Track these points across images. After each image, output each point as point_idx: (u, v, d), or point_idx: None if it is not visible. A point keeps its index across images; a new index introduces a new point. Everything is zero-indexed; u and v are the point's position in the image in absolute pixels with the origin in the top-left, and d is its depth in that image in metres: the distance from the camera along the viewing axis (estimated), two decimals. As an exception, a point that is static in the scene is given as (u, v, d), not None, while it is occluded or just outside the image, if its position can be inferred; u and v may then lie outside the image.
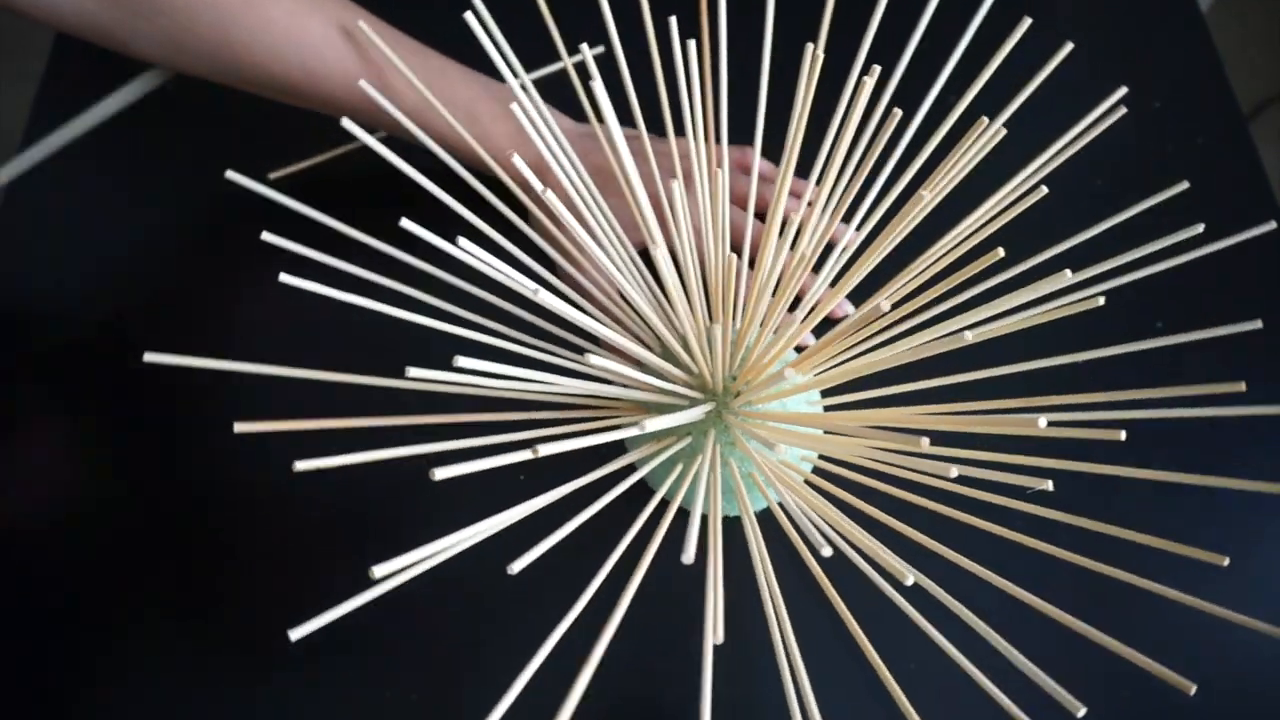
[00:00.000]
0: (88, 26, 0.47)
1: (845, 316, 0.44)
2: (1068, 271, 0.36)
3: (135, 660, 0.46)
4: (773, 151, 0.47)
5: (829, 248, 0.52)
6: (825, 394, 0.49)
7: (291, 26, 0.47)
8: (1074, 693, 0.31)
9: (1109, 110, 0.42)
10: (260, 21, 0.46)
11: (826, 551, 0.31)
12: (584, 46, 0.42)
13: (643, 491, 0.41)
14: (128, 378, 0.52)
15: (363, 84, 0.45)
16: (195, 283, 0.56)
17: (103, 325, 0.55)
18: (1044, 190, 0.37)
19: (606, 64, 0.42)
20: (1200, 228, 0.39)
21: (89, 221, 0.58)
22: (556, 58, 0.49)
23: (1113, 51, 0.64)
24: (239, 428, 0.38)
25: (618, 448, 0.43)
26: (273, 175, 0.57)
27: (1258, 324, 0.39)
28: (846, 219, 0.48)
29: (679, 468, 0.43)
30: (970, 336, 0.32)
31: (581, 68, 0.43)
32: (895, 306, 0.39)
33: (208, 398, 0.51)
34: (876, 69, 0.38)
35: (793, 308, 0.52)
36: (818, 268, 0.47)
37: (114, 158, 0.60)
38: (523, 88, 0.45)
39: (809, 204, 0.41)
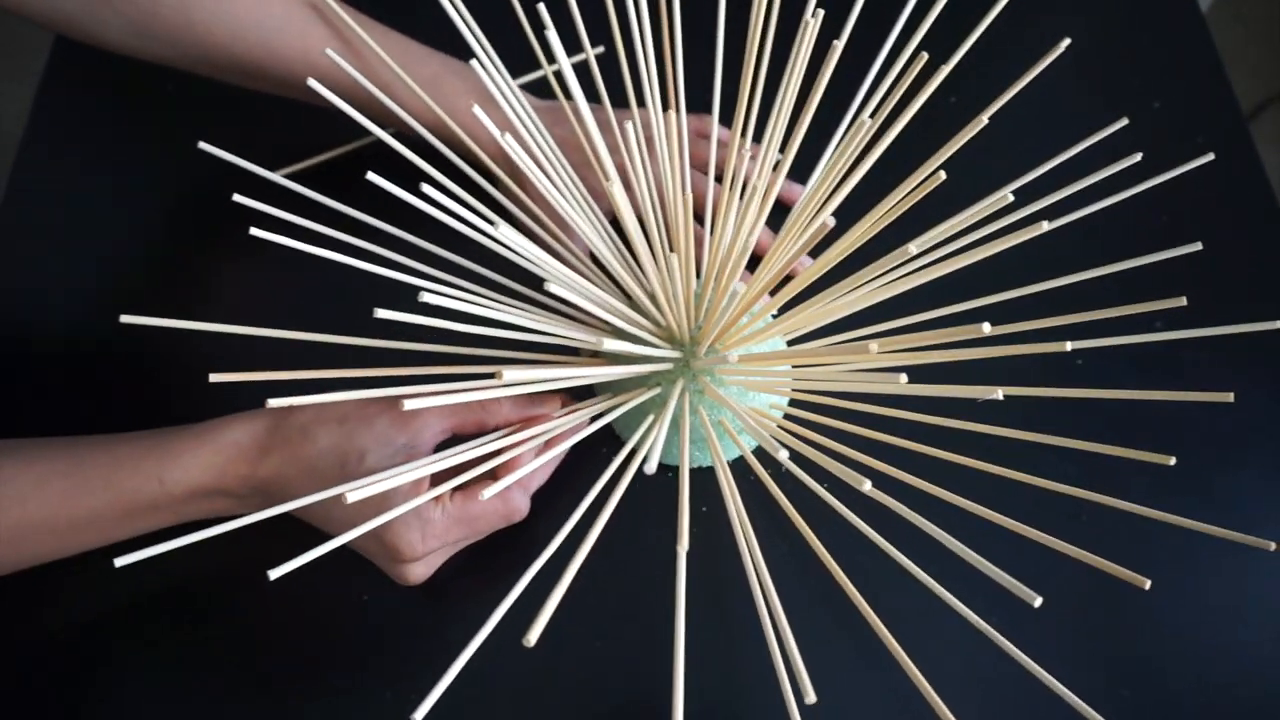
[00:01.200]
0: (54, 16, 0.48)
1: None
2: (1009, 195, 0.37)
3: (135, 659, 0.46)
4: (728, 117, 0.49)
5: (788, 208, 0.53)
6: (790, 346, 0.50)
7: (253, 7, 0.48)
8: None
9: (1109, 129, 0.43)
10: (222, 3, 0.48)
11: (783, 455, 0.31)
12: (540, 7, 0.43)
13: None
14: (129, 373, 0.53)
15: (329, 52, 0.46)
16: (196, 282, 0.57)
17: (103, 323, 0.55)
18: (985, 121, 0.38)
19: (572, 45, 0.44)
20: (1138, 157, 0.41)
21: (90, 221, 0.59)
22: (525, 44, 0.50)
23: (1113, 51, 0.64)
24: (214, 378, 0.39)
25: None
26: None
27: (1198, 246, 0.40)
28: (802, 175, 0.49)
29: (650, 419, 0.44)
30: (914, 249, 0.33)
31: (537, 22, 0.44)
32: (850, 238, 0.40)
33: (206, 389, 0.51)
34: (821, 12, 0.40)
35: (750, 269, 0.54)
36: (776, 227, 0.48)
37: (114, 158, 0.61)
38: (487, 55, 0.46)
39: (767, 152, 0.42)
